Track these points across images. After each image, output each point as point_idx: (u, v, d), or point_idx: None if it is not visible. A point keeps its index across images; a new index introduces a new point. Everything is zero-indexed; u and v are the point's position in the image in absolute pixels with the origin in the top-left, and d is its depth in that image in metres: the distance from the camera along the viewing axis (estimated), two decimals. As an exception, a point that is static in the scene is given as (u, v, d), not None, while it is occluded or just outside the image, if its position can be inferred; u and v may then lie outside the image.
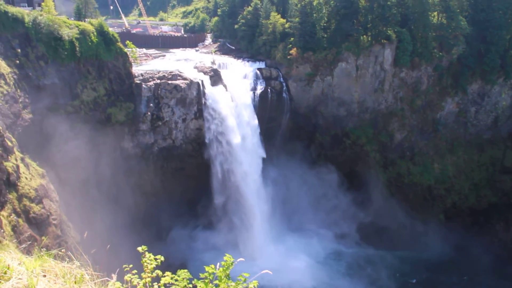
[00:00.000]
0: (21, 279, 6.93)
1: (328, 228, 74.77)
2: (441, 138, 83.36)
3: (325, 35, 74.67)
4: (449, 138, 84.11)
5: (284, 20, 77.48)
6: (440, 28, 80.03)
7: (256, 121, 71.13)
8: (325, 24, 74.99)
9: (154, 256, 9.75)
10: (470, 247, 73.35)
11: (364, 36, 74.24)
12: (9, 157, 37.43)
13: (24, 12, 50.14)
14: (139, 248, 9.81)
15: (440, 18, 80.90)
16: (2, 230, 29.58)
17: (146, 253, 9.69)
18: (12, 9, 48.56)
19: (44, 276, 7.59)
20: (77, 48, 53.98)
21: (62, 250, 10.28)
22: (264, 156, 71.75)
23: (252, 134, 70.98)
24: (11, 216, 33.95)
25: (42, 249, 9.56)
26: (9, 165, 36.66)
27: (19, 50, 46.85)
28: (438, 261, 71.66)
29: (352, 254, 72.82)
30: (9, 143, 38.66)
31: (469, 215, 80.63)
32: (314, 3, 73.55)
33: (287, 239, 72.83)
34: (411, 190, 78.15)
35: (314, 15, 73.27)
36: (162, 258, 9.79)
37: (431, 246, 73.76)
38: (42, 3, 57.30)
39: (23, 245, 25.32)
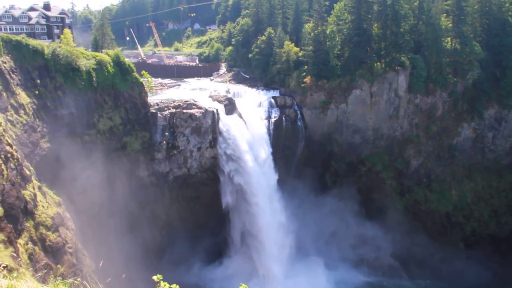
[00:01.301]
0: (37, 307, 6.93)
1: (345, 256, 73.65)
2: (458, 164, 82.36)
3: (339, 63, 75.17)
4: (466, 164, 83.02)
5: (298, 49, 78.21)
6: (454, 53, 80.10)
7: (270, 149, 71.12)
8: (338, 52, 75.60)
9: (169, 285, 9.64)
10: (493, 276, 71.41)
11: (378, 63, 74.55)
12: (27, 185, 37.82)
13: (44, 45, 51.42)
14: (155, 277, 9.79)
15: (453, 44, 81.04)
16: (19, 259, 29.69)
17: (162, 282, 9.63)
18: (33, 42, 49.87)
19: (60, 305, 7.57)
20: (94, 78, 55.00)
21: (78, 279, 10.27)
22: (276, 183, 71.54)
23: (267, 161, 70.90)
24: (28, 244, 34.10)
25: (57, 278, 9.55)
26: (26, 193, 37.01)
27: (38, 81, 47.84)
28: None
29: (369, 284, 71.50)
30: (27, 172, 39.13)
31: (490, 243, 78.67)
32: (327, 32, 74.28)
33: (302, 268, 71.75)
34: (429, 218, 76.84)
35: (328, 43, 73.93)
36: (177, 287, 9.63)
37: (450, 275, 71.99)
38: (61, 35, 58.73)
39: (39, 274, 25.33)
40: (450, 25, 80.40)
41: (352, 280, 71.90)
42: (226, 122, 67.55)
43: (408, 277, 72.62)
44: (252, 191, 68.79)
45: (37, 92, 46.92)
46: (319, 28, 75.17)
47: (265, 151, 70.73)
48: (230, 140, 67.33)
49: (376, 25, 77.19)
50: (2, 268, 9.63)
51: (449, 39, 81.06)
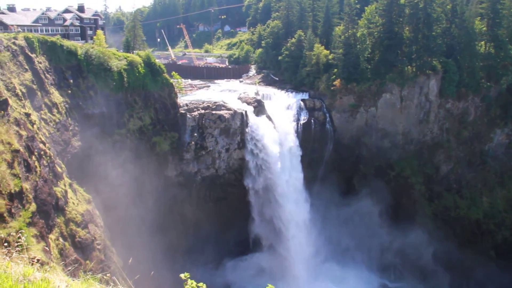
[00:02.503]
0: (68, 300, 7.07)
1: (372, 261, 72.99)
2: (490, 171, 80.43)
3: (369, 66, 74.54)
4: (498, 171, 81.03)
5: (328, 52, 77.86)
6: (488, 57, 78.53)
7: (299, 152, 71.00)
8: (368, 55, 74.99)
9: (197, 283, 9.69)
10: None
11: (409, 66, 73.57)
12: (58, 182, 38.66)
13: (78, 45, 52.60)
14: (182, 275, 9.85)
15: (487, 48, 79.38)
16: (50, 253, 30.36)
17: (189, 280, 9.67)
18: (67, 43, 51.08)
19: (90, 299, 7.71)
20: (125, 79, 55.91)
21: (107, 275, 10.43)
22: (303, 186, 71.43)
23: (295, 163, 70.82)
24: (58, 240, 34.83)
25: (87, 273, 9.74)
26: (58, 190, 37.83)
27: (71, 81, 48.93)
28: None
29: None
30: (59, 169, 40.01)
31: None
32: (358, 35, 73.73)
33: (329, 272, 71.37)
34: (458, 224, 75.27)
35: (358, 46, 73.40)
36: (204, 286, 9.72)
37: (480, 283, 70.46)
38: (94, 37, 59.89)
39: (69, 268, 25.85)
40: (485, 28, 78.75)
41: (378, 285, 71.21)
42: (255, 124, 67.69)
43: (435, 285, 71.40)
44: (279, 192, 68.82)
45: (70, 91, 48.00)
46: (349, 31, 74.67)
47: (293, 154, 70.65)
48: (258, 142, 67.48)
49: (407, 28, 76.12)
50: (36, 261, 9.88)
51: (483, 42, 79.39)
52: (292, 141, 70.97)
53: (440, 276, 71.45)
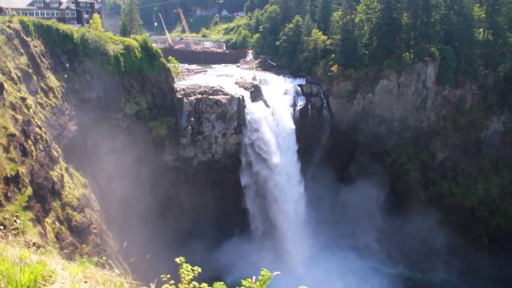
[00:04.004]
0: (64, 283, 7.13)
1: (365, 246, 73.56)
2: (485, 158, 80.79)
3: (367, 52, 74.32)
4: (494, 158, 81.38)
5: (326, 37, 77.53)
6: (486, 45, 78.35)
7: (295, 137, 71.08)
8: (366, 41, 74.74)
9: (192, 267, 9.75)
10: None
11: (407, 53, 73.36)
12: (54, 166, 38.70)
13: (74, 29, 52.21)
14: (177, 259, 9.90)
15: (486, 35, 79.15)
16: (46, 237, 30.49)
17: (184, 264, 9.75)
18: (63, 27, 50.65)
19: (86, 282, 7.76)
20: (122, 63, 55.64)
21: (103, 258, 10.49)
22: (299, 171, 71.71)
23: (291, 149, 70.95)
24: (54, 224, 34.96)
25: (83, 256, 9.79)
26: (54, 174, 37.88)
27: (67, 65, 48.66)
28: (481, 286, 69.04)
29: (388, 274, 71.52)
30: (55, 153, 40.00)
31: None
32: (356, 20, 73.44)
33: (323, 256, 71.94)
34: (453, 211, 75.83)
35: (356, 32, 73.14)
36: (200, 270, 9.73)
37: (473, 269, 71.06)
38: (91, 20, 59.50)
39: (65, 251, 25.99)
40: (483, 15, 78.37)
41: (373, 271, 71.84)
42: (252, 109, 67.65)
43: (429, 270, 72.30)
44: (275, 176, 69.02)
45: (66, 75, 47.79)
46: (347, 16, 74.37)
47: (289, 139, 70.74)
48: (255, 127, 67.48)
49: (406, 14, 75.86)
50: (32, 245, 9.95)
51: (481, 30, 79.11)
52: (288, 126, 70.98)
53: (434, 261, 72.28)
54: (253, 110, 67.72)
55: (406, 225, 70.60)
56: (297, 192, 71.95)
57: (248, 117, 67.45)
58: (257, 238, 71.45)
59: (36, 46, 44.23)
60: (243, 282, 8.71)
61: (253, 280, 8.74)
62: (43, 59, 44.88)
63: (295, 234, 71.09)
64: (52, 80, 44.98)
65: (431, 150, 78.35)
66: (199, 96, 65.32)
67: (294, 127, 71.51)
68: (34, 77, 41.71)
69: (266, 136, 67.65)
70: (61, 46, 48.85)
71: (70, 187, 40.70)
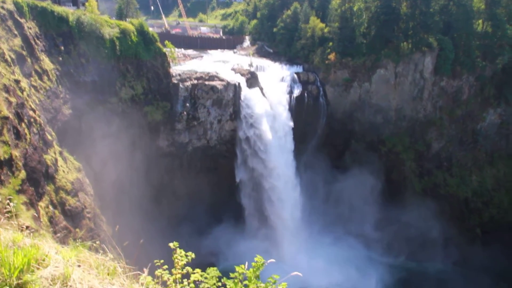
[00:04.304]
0: (57, 267, 7.15)
1: (360, 235, 74.09)
2: (480, 150, 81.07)
3: (365, 41, 74.11)
4: (489, 150, 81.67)
5: (324, 25, 77.18)
6: (485, 36, 78.15)
7: (291, 124, 71.09)
8: (364, 30, 74.49)
9: (185, 252, 9.83)
10: (509, 264, 70.90)
11: (405, 43, 73.22)
12: (48, 150, 38.59)
13: (69, 12, 51.67)
14: (171, 244, 9.97)
15: (485, 27, 78.91)
16: (40, 221, 30.51)
17: (178, 249, 9.80)
18: (57, 9, 50.12)
19: (79, 266, 7.80)
20: (117, 47, 55.24)
21: (97, 242, 10.52)
22: (294, 159, 71.88)
23: (287, 136, 70.99)
24: (48, 208, 34.96)
25: (77, 240, 9.82)
26: (48, 158, 37.79)
27: (62, 48, 48.27)
28: (475, 275, 69.72)
29: (383, 263, 72.13)
30: (49, 137, 39.87)
31: (508, 231, 77.72)
32: (355, 9, 73.13)
33: (317, 244, 72.43)
34: (447, 202, 76.18)
35: (354, 20, 72.86)
36: (193, 255, 9.84)
37: (466, 259, 71.78)
38: (86, 3, 58.91)
39: (58, 235, 26.06)
40: (483, 6, 78.06)
41: (368, 260, 72.39)
42: (248, 96, 67.51)
43: (423, 260, 72.93)
44: (270, 164, 69.14)
45: (60, 58, 47.43)
46: (346, 4, 74.00)
47: (285, 126, 70.72)
48: (250, 114, 67.44)
49: (405, 4, 75.52)
50: (25, 228, 9.95)
51: (480, 21, 78.85)
52: (284, 114, 70.95)
53: (428, 251, 72.79)
54: (249, 96, 67.61)
55: (401, 215, 71.02)
56: (292, 177, 72.12)
57: (244, 104, 67.27)
58: (251, 225, 71.84)
59: (30, 28, 43.82)
60: (236, 268, 8.76)
61: (246, 267, 8.78)
62: (38, 41, 44.51)
63: (289, 221, 71.44)
64: (47, 62, 44.67)
65: (427, 140, 78.56)
66: (195, 81, 65.10)
67: (290, 114, 71.39)
68: (28, 59, 41.40)
69: (262, 123, 67.55)
70: (56, 29, 48.41)
71: (64, 171, 40.65)
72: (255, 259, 8.88)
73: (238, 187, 71.30)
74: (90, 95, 50.66)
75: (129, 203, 53.13)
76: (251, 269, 8.67)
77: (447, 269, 72.22)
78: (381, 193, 72.44)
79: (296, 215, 72.81)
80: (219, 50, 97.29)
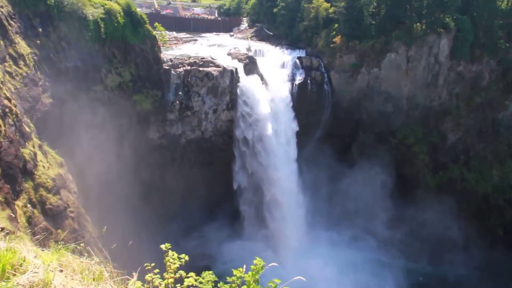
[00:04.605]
0: (37, 273, 7.07)
1: (369, 235, 74.15)
2: (502, 142, 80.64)
3: (374, 22, 73.59)
4: (511, 142, 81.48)
5: (328, 5, 76.81)
6: (509, 15, 77.31)
7: (293, 114, 70.98)
8: (374, 10, 73.98)
9: (178, 255, 9.81)
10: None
11: (418, 24, 72.70)
12: (26, 143, 38.32)
13: (47, -11, 51.13)
14: (163, 246, 9.96)
15: (509, 4, 78.17)
16: (17, 221, 30.39)
17: (170, 251, 9.78)
18: (33, -15, 49.51)
19: (61, 271, 7.72)
20: (102, 29, 54.82)
21: (81, 245, 10.48)
22: (296, 151, 71.84)
23: (288, 127, 70.87)
24: (26, 207, 34.77)
25: (59, 243, 9.75)
26: (26, 152, 37.52)
27: (40, 30, 47.72)
28: (498, 281, 69.54)
29: (394, 266, 72.02)
30: (27, 129, 39.59)
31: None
32: (363, -14, 72.73)
33: (322, 245, 72.49)
34: (465, 199, 76.11)
35: (362, -1, 72.50)
36: (187, 258, 9.85)
37: (486, 263, 71.59)
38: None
39: (38, 237, 25.95)
40: (508, -20, 77.59)
41: (377, 263, 72.41)
42: (246, 83, 67.35)
43: (439, 263, 72.82)
44: (270, 158, 69.07)
45: (38, 42, 46.93)
46: (353, -19, 73.67)
47: (286, 116, 70.62)
48: (249, 103, 67.28)
49: (418, -20, 75.19)
50: (0, 230, 9.86)
51: (505, -3, 78.17)
52: (286, 102, 70.82)
53: (444, 254, 72.75)
54: (247, 84, 67.44)
55: (413, 213, 71.07)
56: (294, 171, 72.13)
57: (241, 92, 67.09)
58: (251, 226, 71.96)
59: (2, 7, 43.21)
60: (234, 272, 8.75)
61: (245, 270, 8.77)
62: (11, 22, 43.84)
63: (292, 220, 71.52)
64: (23, 46, 44.23)
65: (442, 131, 78.44)
66: (188, 67, 64.90)
67: (291, 103, 71.40)
68: (1, 42, 40.95)
69: (261, 113, 67.38)
70: (32, 8, 47.79)
71: (44, 167, 40.43)
72: (254, 261, 8.84)
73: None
74: (73, 82, 50.26)
75: (117, 201, 52.96)
76: (250, 273, 8.63)
77: (467, 273, 71.32)
78: (391, 190, 72.31)
79: (298, 215, 72.79)
80: (214, 33, 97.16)
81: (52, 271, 7.29)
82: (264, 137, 68.22)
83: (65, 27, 50.54)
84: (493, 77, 79.07)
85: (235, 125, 68.99)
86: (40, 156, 40.61)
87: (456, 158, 79.04)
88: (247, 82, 67.41)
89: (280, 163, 69.84)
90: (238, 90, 67.13)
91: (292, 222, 71.96)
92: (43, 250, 8.61)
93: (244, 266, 8.89)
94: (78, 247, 10.21)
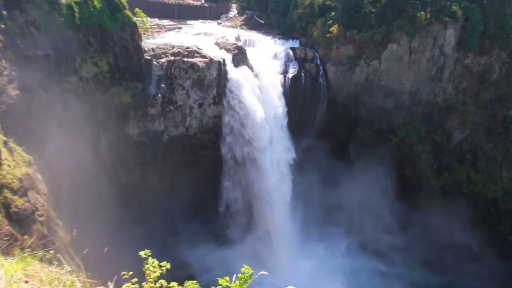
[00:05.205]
0: (-1, 284, 6.87)
1: (366, 242, 74.46)
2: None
3: (374, 10, 73.54)
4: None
5: (325, -10, 76.91)
6: (524, 2, 77.69)
7: (285, 110, 70.96)
8: (374, -4, 74.15)
9: (159, 262, 9.80)
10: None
11: (422, 12, 72.71)
12: (-10, 139, 37.91)
13: (12, -33, 50.42)
14: (142, 253, 9.92)
15: (523, -10, 78.53)
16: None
17: (150, 258, 9.71)
18: (-5, -38, 48.79)
19: (27, 282, 7.55)
20: (76, 15, 54.06)
21: (51, 252, 10.34)
22: (289, 150, 71.78)
23: (280, 124, 70.87)
24: (-12, 210, 34.40)
25: (25, 250, 9.56)
26: (-11, 149, 37.14)
27: (4, 13, 46.96)
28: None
29: (393, 275, 72.38)
30: (-9, 123, 39.16)
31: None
32: (362, -29, 72.79)
33: (315, 252, 72.69)
34: (471, 203, 76.54)
35: (362, -15, 72.58)
36: (168, 266, 9.86)
37: (495, 273, 72.01)
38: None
39: (0, 244, 25.56)
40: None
41: (369, 269, 72.72)
42: (234, 75, 67.19)
43: (444, 272, 73.11)
44: (260, 158, 69.05)
45: (3, 26, 46.23)
46: (352, -35, 73.73)
47: (278, 112, 70.59)
48: (237, 97, 67.14)
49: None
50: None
51: (519, -18, 78.51)
52: (278, 97, 70.79)
53: (446, 263, 73.12)
54: (236, 76, 67.27)
55: (416, 218, 71.38)
56: (287, 176, 72.17)
57: (229, 85, 66.97)
58: (238, 230, 71.94)
59: (-41, -14, 42.64)
60: (220, 281, 8.79)
61: (232, 279, 8.82)
62: (-29, 4, 43.35)
63: (283, 224, 71.62)
64: (-15, 30, 43.71)
65: (447, 129, 78.83)
66: (172, 58, 64.56)
67: (284, 98, 71.41)
68: (-40, 26, 40.38)
69: (251, 108, 67.22)
70: (-5, -12, 47.25)
71: (9, 165, 39.92)
72: (242, 269, 8.93)
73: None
74: (43, 72, 49.64)
75: (92, 204, 52.66)
76: (237, 282, 8.73)
77: (476, 285, 71.63)
78: (391, 192, 72.69)
79: (289, 219, 72.85)
80: (200, 20, 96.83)
81: (16, 282, 7.09)
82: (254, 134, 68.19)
83: (34, 11, 49.74)
84: (504, 70, 79.45)
85: (222, 120, 68.80)
86: (5, 154, 40.07)
87: (462, 159, 79.48)
88: (236, 74, 67.22)
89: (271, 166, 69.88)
90: (226, 83, 66.93)
91: (284, 227, 71.96)
92: (6, 259, 8.42)
93: (234, 276, 8.90)
94: (47, 255, 10.07)
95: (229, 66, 67.37)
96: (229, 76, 66.98)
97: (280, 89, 71.30)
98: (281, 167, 71.51)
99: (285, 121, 71.23)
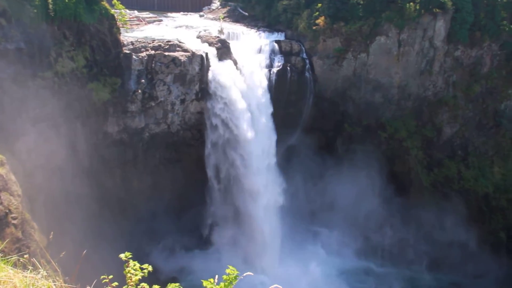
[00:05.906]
0: (-34, 291, 6.62)
1: (354, 240, 74.68)
2: (504, 135, 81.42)
3: (361, 2, 73.59)
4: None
5: (311, -19, 76.83)
6: (515, -8, 78.16)
7: (270, 105, 70.90)
8: (361, -13, 74.24)
9: (140, 265, 9.70)
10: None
11: (411, 3, 72.71)
12: (-40, 138, 37.49)
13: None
14: (122, 255, 9.79)
15: (514, -20, 78.94)
16: None
17: (131, 261, 9.63)
18: None
19: (-1, 288, 7.32)
20: (50, 6, 53.44)
21: (25, 256, 10.17)
22: (275, 147, 71.88)
23: (265, 120, 70.76)
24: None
25: (-3, 256, 9.40)
26: (-40, 148, 36.71)
27: (-29, 3, 46.50)
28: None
29: (382, 274, 72.93)
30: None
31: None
32: (349, -40, 72.79)
33: (302, 251, 72.84)
34: (462, 199, 76.94)
35: (349, -25, 72.58)
36: (150, 268, 9.79)
37: (486, 271, 72.74)
38: None
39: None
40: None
41: (358, 269, 73.11)
42: (217, 70, 67.01)
43: (433, 270, 73.69)
44: (245, 155, 69.03)
45: (-31, 17, 45.78)
46: (338, -46, 73.73)
47: (263, 108, 70.53)
48: (221, 92, 67.00)
49: (411, -47, 75.53)
50: None
51: (509, -27, 78.92)
52: (263, 92, 70.65)
53: (437, 260, 73.69)
54: (219, 71, 67.04)
55: (405, 216, 71.80)
56: (272, 170, 72.25)
57: (212, 80, 66.76)
58: (223, 230, 71.82)
59: None
60: (204, 283, 8.84)
61: (216, 281, 8.89)
62: None
63: (269, 223, 71.61)
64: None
65: (437, 124, 79.13)
66: (152, 52, 64.27)
67: (269, 93, 71.19)
68: None
69: (235, 104, 67.15)
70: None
71: (-18, 165, 39.55)
72: (227, 271, 9.00)
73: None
74: (15, 67, 49.04)
75: (70, 205, 52.33)
76: (222, 284, 8.79)
77: (467, 282, 72.30)
78: (380, 189, 73.04)
79: (276, 218, 72.95)
80: (181, 12, 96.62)
81: (-12, 288, 6.86)
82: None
83: (4, 1, 49.09)
84: (495, 63, 79.86)
85: (206, 116, 68.64)
86: (-23, 153, 39.71)
87: (452, 154, 79.89)
88: (219, 69, 67.05)
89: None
90: (209, 78, 66.74)
91: (270, 226, 72.05)
92: (-24, 265, 8.19)
93: (216, 276, 8.97)
94: (22, 259, 9.87)
95: (212, 60, 67.19)
96: (211, 71, 66.77)
97: (265, 84, 71.14)
98: (270, 157, 71.57)
99: (270, 117, 71.11)
